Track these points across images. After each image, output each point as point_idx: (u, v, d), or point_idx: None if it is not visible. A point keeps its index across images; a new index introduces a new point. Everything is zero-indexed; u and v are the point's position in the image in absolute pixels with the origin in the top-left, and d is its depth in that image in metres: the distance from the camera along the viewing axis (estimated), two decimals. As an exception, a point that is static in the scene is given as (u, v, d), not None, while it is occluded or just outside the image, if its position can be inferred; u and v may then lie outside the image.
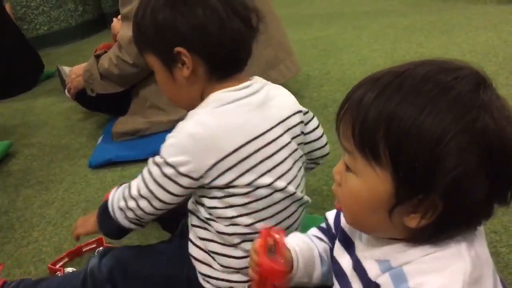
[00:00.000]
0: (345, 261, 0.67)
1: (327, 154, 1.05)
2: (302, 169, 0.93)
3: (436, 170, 0.52)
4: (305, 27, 2.98)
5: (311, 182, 1.37)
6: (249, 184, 0.84)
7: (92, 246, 1.23)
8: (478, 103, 0.53)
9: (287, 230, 0.90)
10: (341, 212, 0.73)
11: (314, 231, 0.78)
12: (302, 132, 0.92)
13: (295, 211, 0.92)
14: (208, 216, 0.87)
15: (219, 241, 0.88)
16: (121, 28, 1.73)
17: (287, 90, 0.95)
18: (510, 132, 0.53)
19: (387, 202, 0.56)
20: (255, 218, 0.86)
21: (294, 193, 0.89)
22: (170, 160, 0.81)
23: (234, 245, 0.87)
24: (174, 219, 1.02)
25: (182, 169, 0.81)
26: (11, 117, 2.31)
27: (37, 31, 3.47)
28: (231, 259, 0.88)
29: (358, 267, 0.64)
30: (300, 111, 0.92)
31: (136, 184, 0.87)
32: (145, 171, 0.86)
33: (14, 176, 1.71)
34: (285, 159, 0.88)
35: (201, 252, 0.90)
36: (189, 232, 0.93)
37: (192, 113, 0.85)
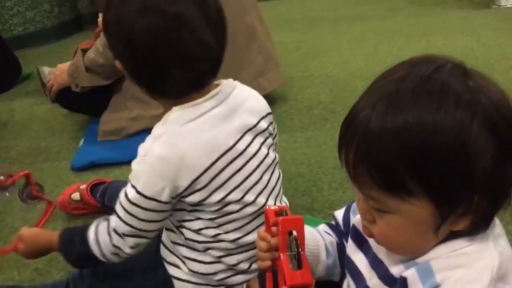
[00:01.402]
0: (359, 258, 0.66)
1: None
2: (276, 173, 0.92)
3: (471, 176, 0.52)
4: (287, 30, 2.99)
5: (300, 184, 1.38)
6: (219, 202, 0.83)
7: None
8: (474, 91, 0.53)
9: None
10: (350, 210, 0.73)
11: (322, 226, 0.77)
12: (271, 134, 0.92)
13: None
14: (176, 224, 0.87)
15: (187, 246, 0.88)
16: None
17: (255, 92, 0.92)
18: (505, 101, 0.54)
19: (433, 223, 0.55)
20: (222, 230, 0.86)
21: (264, 204, 0.88)
22: (150, 193, 0.79)
23: (201, 251, 0.87)
24: None
25: (164, 198, 0.80)
26: (-13, 119, 2.24)
27: (12, 32, 3.38)
28: (199, 264, 0.88)
29: (377, 265, 0.63)
30: (269, 113, 0.92)
31: (117, 226, 0.84)
32: (122, 212, 0.83)
33: (-8, 180, 1.66)
34: (254, 170, 0.87)
35: (171, 254, 0.91)
36: (162, 234, 0.93)
37: (156, 134, 0.81)
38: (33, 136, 1.99)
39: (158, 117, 0.86)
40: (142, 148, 0.81)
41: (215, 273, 0.89)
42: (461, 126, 0.51)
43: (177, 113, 0.81)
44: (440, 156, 0.51)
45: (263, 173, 0.88)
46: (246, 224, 0.87)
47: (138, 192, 0.80)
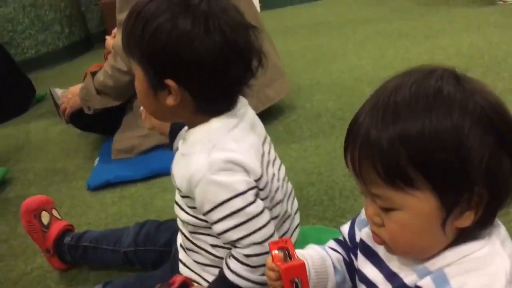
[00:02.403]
0: (371, 271, 0.68)
1: None
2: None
3: (469, 166, 0.54)
4: (291, 37, 3.01)
5: (311, 193, 1.39)
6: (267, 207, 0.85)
7: None
8: (467, 93, 0.56)
9: None
10: (355, 223, 0.75)
11: (330, 243, 0.79)
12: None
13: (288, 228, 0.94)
14: (212, 242, 0.88)
15: (218, 265, 0.88)
16: (117, 35, 1.75)
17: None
18: (498, 103, 0.58)
19: (438, 216, 0.57)
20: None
21: (287, 209, 0.91)
22: (249, 185, 0.78)
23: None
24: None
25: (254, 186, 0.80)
26: (4, 143, 2.30)
27: (24, 55, 3.46)
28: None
29: (392, 277, 0.64)
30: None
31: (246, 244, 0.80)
32: (233, 221, 0.79)
33: (12, 203, 1.70)
34: (279, 177, 0.89)
35: (196, 275, 0.92)
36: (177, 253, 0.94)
37: (206, 148, 0.79)
38: (49, 157, 2.04)
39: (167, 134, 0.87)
40: (201, 166, 0.77)
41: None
42: (455, 126, 0.54)
43: (217, 124, 0.81)
44: (438, 150, 0.54)
45: (283, 180, 0.91)
46: (276, 230, 0.89)
47: (242, 192, 0.78)
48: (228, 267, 0.82)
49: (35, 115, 2.60)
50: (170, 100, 0.80)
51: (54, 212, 1.26)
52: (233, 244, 0.80)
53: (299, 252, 0.75)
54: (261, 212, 0.80)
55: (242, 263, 0.80)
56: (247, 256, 0.80)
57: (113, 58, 1.72)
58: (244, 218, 0.78)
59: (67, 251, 1.20)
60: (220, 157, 0.77)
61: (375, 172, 0.57)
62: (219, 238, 0.83)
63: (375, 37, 2.70)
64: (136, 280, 0.97)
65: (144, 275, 0.97)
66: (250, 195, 0.78)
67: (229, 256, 0.83)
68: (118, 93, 1.76)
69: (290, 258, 0.68)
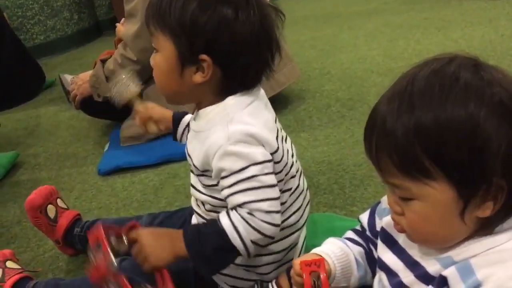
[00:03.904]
0: (391, 258, 0.68)
1: None
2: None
3: (485, 156, 0.54)
4: (302, 28, 3.00)
5: (321, 181, 1.40)
6: (281, 181, 0.86)
7: None
8: (485, 82, 0.55)
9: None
10: (375, 213, 0.75)
11: (349, 233, 0.80)
12: None
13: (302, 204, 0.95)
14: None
15: None
16: (125, 25, 1.75)
17: None
18: None
19: (456, 207, 0.57)
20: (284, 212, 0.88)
21: (299, 184, 0.93)
22: (266, 156, 0.79)
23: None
24: None
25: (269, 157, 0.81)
26: (15, 127, 2.31)
27: (33, 41, 3.47)
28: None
29: (413, 265, 0.64)
30: None
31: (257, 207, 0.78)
32: (247, 184, 0.78)
33: (23, 186, 1.72)
34: (293, 154, 0.92)
35: None
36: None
37: (224, 121, 0.80)
38: (59, 142, 2.05)
39: None
40: (219, 138, 0.79)
41: (259, 266, 0.91)
42: (471, 115, 0.54)
43: (232, 101, 0.83)
44: (452, 141, 0.54)
45: (295, 156, 0.93)
46: (291, 205, 0.90)
47: (260, 162, 0.78)
48: (228, 215, 0.80)
49: (45, 101, 2.61)
50: (198, 77, 0.82)
51: (60, 202, 1.25)
52: (239, 206, 0.79)
53: (325, 252, 0.75)
54: (274, 185, 0.80)
55: (243, 218, 0.79)
56: (251, 215, 0.78)
57: (122, 47, 1.73)
58: (257, 184, 0.78)
59: (78, 242, 1.21)
60: (238, 129, 0.79)
61: (391, 162, 0.57)
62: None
63: (385, 29, 2.69)
64: None
65: None
66: (266, 167, 0.79)
67: (232, 209, 0.80)
68: None
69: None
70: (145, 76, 1.73)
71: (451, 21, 2.60)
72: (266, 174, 0.80)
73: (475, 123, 0.54)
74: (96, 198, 1.56)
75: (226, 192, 0.80)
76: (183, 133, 1.04)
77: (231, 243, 0.79)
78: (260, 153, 0.79)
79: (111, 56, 1.82)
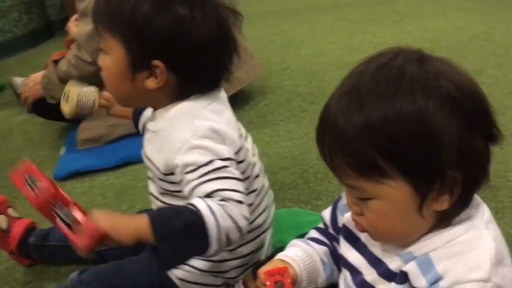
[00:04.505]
0: (354, 256, 0.67)
1: None
2: None
3: (438, 149, 0.54)
4: (260, 23, 2.99)
5: (286, 177, 1.39)
6: (247, 178, 0.85)
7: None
8: (431, 75, 0.55)
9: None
10: (337, 209, 0.74)
11: (313, 233, 0.78)
12: None
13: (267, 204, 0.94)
14: None
15: None
16: (78, 25, 1.69)
17: None
18: (466, 81, 0.57)
19: (413, 203, 0.56)
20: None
21: (263, 184, 0.92)
22: (227, 154, 0.76)
23: None
24: None
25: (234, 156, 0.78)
26: (-36, 134, 2.20)
27: (-19, 44, 3.32)
28: (210, 263, 0.88)
29: (376, 263, 0.64)
30: None
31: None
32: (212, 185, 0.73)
33: (-25, 196, 1.63)
34: (257, 154, 0.91)
35: None
36: None
37: (189, 116, 0.77)
38: (12, 148, 1.96)
39: None
40: (184, 133, 0.75)
41: (227, 271, 0.89)
42: (419, 109, 0.54)
43: (192, 101, 0.80)
44: (403, 137, 0.54)
45: (257, 156, 0.91)
46: (258, 206, 0.89)
47: (225, 158, 0.75)
48: (203, 200, 0.72)
49: (-5, 106, 2.49)
50: (151, 83, 0.78)
51: (11, 211, 1.18)
52: (211, 194, 0.72)
53: (289, 256, 0.73)
54: (242, 180, 0.77)
55: (218, 204, 0.71)
56: (224, 201, 0.71)
57: (76, 48, 1.67)
58: (227, 175, 0.74)
59: (33, 251, 1.15)
60: (204, 124, 0.76)
61: (345, 164, 0.56)
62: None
63: (342, 23, 2.71)
64: (114, 267, 0.94)
65: (122, 262, 0.94)
66: (232, 164, 0.77)
67: (203, 198, 0.73)
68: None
69: None
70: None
71: (406, 14, 2.64)
72: (235, 168, 0.78)
73: (424, 117, 0.53)
74: (53, 204, 1.50)
75: (193, 183, 0.74)
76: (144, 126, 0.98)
77: (204, 227, 0.69)
78: (225, 150, 0.77)
79: (63, 57, 1.75)
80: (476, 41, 2.09)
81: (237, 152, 0.80)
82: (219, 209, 0.70)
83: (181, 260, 0.83)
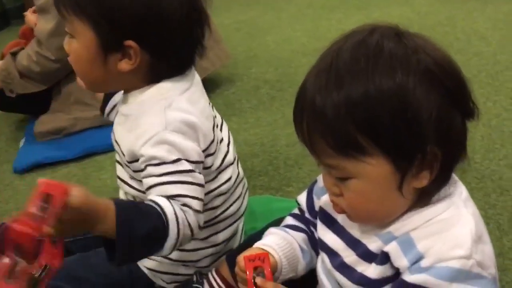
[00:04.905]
0: (332, 238, 0.66)
1: None
2: None
3: (418, 124, 0.53)
4: (225, 11, 2.95)
5: (255, 164, 1.37)
6: (217, 169, 0.83)
7: None
8: (409, 49, 0.54)
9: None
10: (313, 192, 0.73)
11: (289, 219, 0.77)
12: None
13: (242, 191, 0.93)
14: None
15: None
16: (38, 21, 1.62)
17: None
18: (444, 57, 0.56)
19: (393, 181, 0.56)
20: (215, 202, 0.85)
21: (239, 172, 0.91)
22: (196, 157, 0.74)
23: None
24: None
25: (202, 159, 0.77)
26: None
27: None
28: (183, 252, 0.86)
29: (354, 244, 0.63)
30: None
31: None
32: (176, 188, 0.71)
33: None
34: (232, 143, 0.90)
35: None
36: None
37: (162, 105, 0.74)
38: (-33, 141, 1.87)
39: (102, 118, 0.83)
40: (156, 124, 0.73)
41: (199, 260, 0.87)
42: (399, 85, 0.53)
43: (168, 85, 0.77)
44: (384, 113, 0.53)
45: (232, 144, 0.90)
46: (231, 194, 0.88)
47: (193, 162, 0.74)
48: (168, 201, 0.70)
49: None
50: (124, 65, 0.74)
51: None
52: (172, 198, 0.71)
53: (268, 244, 0.71)
54: (203, 186, 0.76)
55: (180, 209, 0.71)
56: (185, 206, 0.71)
57: (36, 44, 1.60)
58: (191, 180, 0.73)
59: None
60: (177, 117, 0.74)
61: (325, 142, 0.55)
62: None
63: (307, 10, 2.71)
64: (80, 258, 0.90)
65: (89, 253, 0.90)
66: (198, 167, 0.76)
67: (170, 202, 0.71)
68: (44, 79, 1.65)
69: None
70: (66, 72, 1.62)
71: (371, 1, 2.66)
72: (199, 173, 0.76)
73: (405, 92, 0.53)
74: (13, 198, 1.44)
75: (155, 180, 0.73)
76: (112, 109, 0.93)
77: (166, 234, 0.69)
78: (195, 152, 0.75)
79: (21, 48, 1.68)
80: (440, 27, 2.12)
81: (209, 146, 0.78)
82: (182, 216, 0.70)
83: (134, 260, 0.79)
